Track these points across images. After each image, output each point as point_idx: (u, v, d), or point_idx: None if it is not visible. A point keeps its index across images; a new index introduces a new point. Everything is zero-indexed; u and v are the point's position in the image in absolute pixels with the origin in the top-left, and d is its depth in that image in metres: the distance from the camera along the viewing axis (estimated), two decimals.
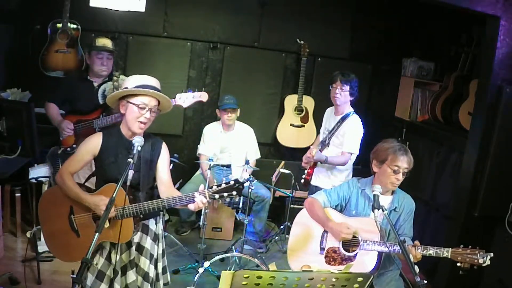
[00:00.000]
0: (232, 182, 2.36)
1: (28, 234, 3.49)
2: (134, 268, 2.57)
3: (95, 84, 3.76)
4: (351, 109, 3.82)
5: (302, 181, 3.90)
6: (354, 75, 3.76)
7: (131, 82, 2.51)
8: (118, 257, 2.52)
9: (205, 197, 2.36)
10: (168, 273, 2.79)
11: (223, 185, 2.36)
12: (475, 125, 3.63)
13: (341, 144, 3.76)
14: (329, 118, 3.95)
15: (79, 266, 1.89)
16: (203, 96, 3.65)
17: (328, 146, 3.83)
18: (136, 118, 2.46)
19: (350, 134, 3.71)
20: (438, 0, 3.44)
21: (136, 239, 2.58)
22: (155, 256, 2.64)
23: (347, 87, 3.70)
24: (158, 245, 2.67)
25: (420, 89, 4.98)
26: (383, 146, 2.84)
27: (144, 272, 2.58)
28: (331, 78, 3.78)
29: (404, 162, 2.73)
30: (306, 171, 3.86)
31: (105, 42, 3.80)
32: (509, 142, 3.43)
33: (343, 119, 3.77)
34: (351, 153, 3.72)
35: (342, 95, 3.71)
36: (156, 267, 2.65)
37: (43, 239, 3.53)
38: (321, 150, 3.83)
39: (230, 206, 4.56)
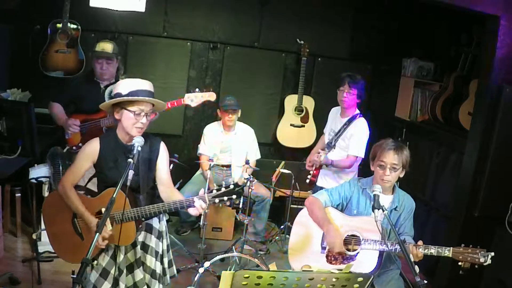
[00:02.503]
0: (231, 186, 2.37)
1: (34, 236, 3.50)
2: (141, 267, 2.58)
3: (102, 85, 3.76)
4: (358, 111, 3.80)
5: (307, 181, 3.87)
6: (360, 76, 3.74)
7: (124, 87, 2.45)
8: (122, 257, 2.53)
9: (205, 202, 2.36)
10: (174, 266, 2.81)
11: (223, 189, 2.37)
12: (475, 125, 3.63)
13: (347, 147, 3.75)
14: (335, 119, 3.93)
15: (80, 266, 1.90)
16: (211, 96, 3.68)
17: (334, 148, 3.81)
18: (133, 124, 2.44)
19: (356, 137, 3.70)
20: (438, 0, 3.44)
21: (140, 238, 2.59)
22: (160, 253, 2.66)
23: (355, 90, 3.68)
24: (162, 242, 2.68)
25: (420, 89, 4.98)
26: (376, 144, 2.86)
27: (151, 270, 2.60)
28: (339, 81, 3.75)
29: (390, 157, 2.72)
30: (311, 172, 3.84)
31: (104, 46, 3.75)
32: (509, 142, 3.43)
33: (350, 121, 3.76)
34: (357, 157, 3.71)
35: (350, 98, 3.70)
36: (162, 263, 2.67)
37: (43, 239, 3.54)
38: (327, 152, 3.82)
39: (230, 206, 4.54)
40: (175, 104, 3.54)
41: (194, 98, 3.61)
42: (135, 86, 2.45)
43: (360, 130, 3.72)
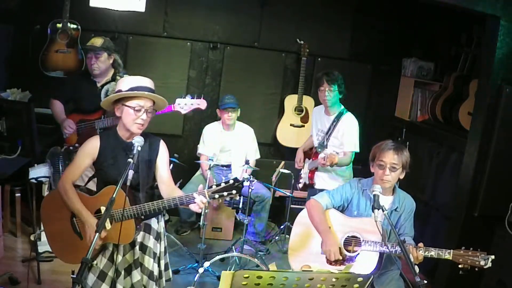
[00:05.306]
0: (231, 181, 2.36)
1: (32, 237, 3.49)
2: (139, 268, 2.58)
3: (99, 84, 3.76)
4: (342, 106, 3.80)
5: (300, 185, 3.87)
6: (337, 71, 3.72)
7: (125, 84, 2.48)
8: (121, 258, 2.52)
9: (205, 197, 2.36)
10: (170, 270, 2.80)
11: (223, 184, 2.36)
12: (475, 125, 3.63)
13: (341, 144, 3.72)
14: (320, 118, 3.89)
15: (79, 266, 1.90)
16: (202, 104, 3.67)
17: (327, 148, 3.78)
18: (133, 120, 2.45)
19: (349, 133, 3.69)
20: (438, 0, 3.44)
21: (139, 238, 2.58)
22: (157, 254, 2.65)
23: (335, 87, 3.67)
24: (160, 243, 2.68)
25: (420, 89, 4.98)
26: (376, 145, 2.85)
27: (149, 271, 2.59)
28: (317, 80, 3.75)
29: (389, 157, 2.71)
30: (302, 175, 3.83)
31: (94, 41, 3.73)
32: (509, 142, 3.43)
33: (338, 118, 3.74)
34: (354, 152, 3.69)
35: (332, 95, 3.69)
36: (159, 265, 2.67)
37: (43, 239, 3.54)
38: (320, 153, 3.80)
39: (230, 206, 4.56)
40: (165, 110, 3.53)
41: (184, 105, 3.60)
42: (135, 82, 2.48)
43: (351, 125, 3.71)
